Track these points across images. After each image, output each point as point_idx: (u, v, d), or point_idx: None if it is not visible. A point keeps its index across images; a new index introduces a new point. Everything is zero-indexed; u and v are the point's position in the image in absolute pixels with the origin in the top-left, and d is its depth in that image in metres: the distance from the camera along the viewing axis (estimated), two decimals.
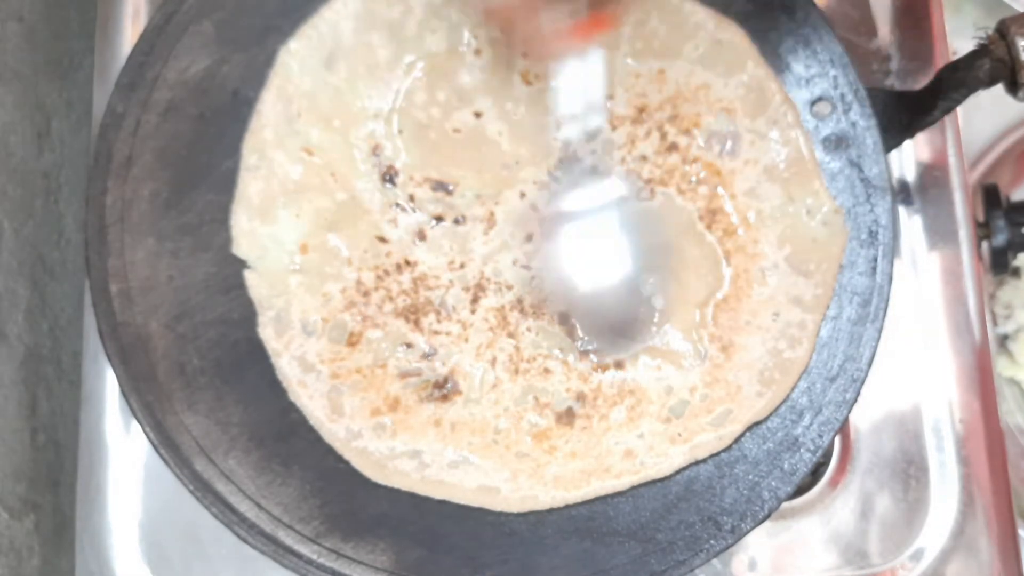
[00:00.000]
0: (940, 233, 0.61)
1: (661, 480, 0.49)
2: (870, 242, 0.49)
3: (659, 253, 0.50)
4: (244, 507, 0.48)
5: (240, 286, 0.50)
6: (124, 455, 0.58)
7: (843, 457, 0.59)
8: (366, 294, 0.50)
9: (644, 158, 0.51)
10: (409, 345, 0.50)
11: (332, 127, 0.50)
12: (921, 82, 0.54)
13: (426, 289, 0.50)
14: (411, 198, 0.51)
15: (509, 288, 0.50)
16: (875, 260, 0.49)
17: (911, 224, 0.62)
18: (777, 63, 0.50)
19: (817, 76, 0.50)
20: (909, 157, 0.63)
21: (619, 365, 0.49)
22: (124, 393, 0.48)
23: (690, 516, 0.48)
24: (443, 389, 0.50)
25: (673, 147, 0.51)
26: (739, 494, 0.48)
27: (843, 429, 0.59)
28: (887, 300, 0.49)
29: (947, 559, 0.58)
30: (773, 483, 0.48)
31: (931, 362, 0.60)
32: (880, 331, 0.49)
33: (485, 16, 0.48)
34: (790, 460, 0.48)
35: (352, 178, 0.50)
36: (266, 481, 0.48)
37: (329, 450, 0.49)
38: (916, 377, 0.60)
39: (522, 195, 0.51)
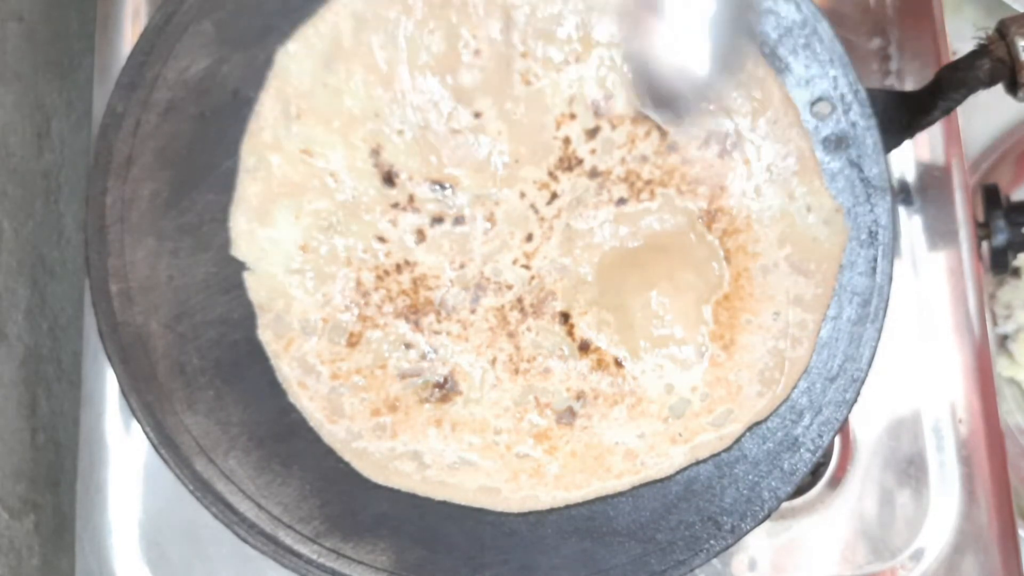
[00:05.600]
0: (940, 233, 0.61)
1: (661, 480, 0.49)
2: (870, 242, 0.49)
3: (660, 253, 0.51)
4: (244, 507, 0.48)
5: (240, 286, 0.50)
6: (124, 455, 0.58)
7: (843, 457, 0.59)
8: (366, 295, 0.50)
9: (644, 158, 0.51)
10: (409, 345, 0.50)
11: (331, 128, 0.50)
12: (921, 82, 0.54)
13: (426, 289, 0.50)
14: (411, 198, 0.51)
15: (509, 288, 0.50)
16: (875, 260, 0.49)
17: (911, 224, 0.62)
18: (777, 63, 0.50)
19: (817, 76, 0.50)
20: (909, 157, 0.63)
21: (619, 363, 0.50)
22: (124, 393, 0.48)
23: (690, 516, 0.48)
24: (443, 389, 0.50)
25: (673, 147, 0.51)
26: (739, 494, 0.48)
27: (843, 429, 0.59)
28: (887, 300, 0.49)
29: (947, 559, 0.58)
30: (773, 483, 0.48)
31: (931, 362, 0.60)
32: (880, 331, 0.49)
33: None
34: (790, 460, 0.48)
35: (352, 179, 0.50)
36: (266, 481, 0.48)
37: (329, 450, 0.49)
38: (916, 377, 0.60)
39: (522, 195, 0.51)
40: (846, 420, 0.49)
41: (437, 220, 0.51)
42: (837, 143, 0.50)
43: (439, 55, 0.50)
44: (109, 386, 0.59)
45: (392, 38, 0.50)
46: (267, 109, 0.50)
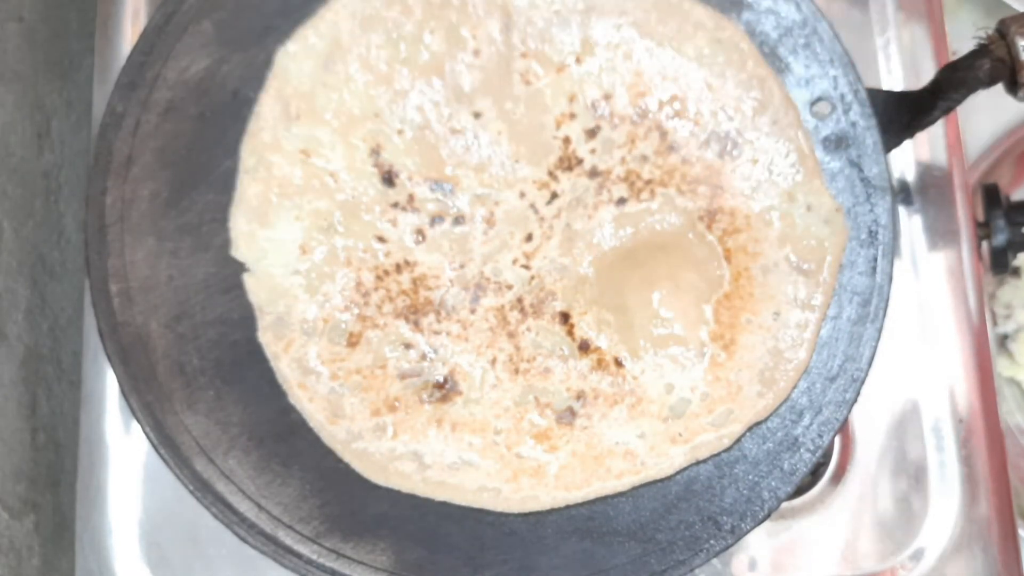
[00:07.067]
0: (940, 233, 0.61)
1: (661, 480, 0.49)
2: (870, 242, 0.49)
3: (660, 252, 0.51)
4: (244, 507, 0.48)
5: (240, 286, 0.50)
6: (124, 455, 0.58)
7: (843, 457, 0.59)
8: (366, 295, 0.50)
9: (644, 158, 0.51)
10: (409, 345, 0.50)
11: (331, 128, 0.50)
12: (921, 82, 0.54)
13: (426, 289, 0.50)
14: (410, 198, 0.51)
15: (509, 288, 0.50)
16: (875, 260, 0.49)
17: (911, 224, 0.62)
18: (777, 63, 0.50)
19: (817, 76, 0.50)
20: (909, 157, 0.63)
21: (619, 363, 0.49)
22: (124, 393, 0.48)
23: (690, 516, 0.48)
24: (443, 389, 0.50)
25: (673, 147, 0.51)
26: (739, 494, 0.48)
27: (843, 429, 0.59)
28: (887, 300, 0.49)
29: (947, 559, 0.58)
30: (773, 483, 0.48)
31: (931, 362, 0.60)
32: (880, 331, 0.49)
33: None
34: (790, 460, 0.48)
35: (351, 179, 0.50)
36: (266, 481, 0.48)
37: (329, 450, 0.49)
38: (916, 377, 0.60)
39: (521, 195, 0.51)
40: (846, 420, 0.49)
41: (437, 220, 0.51)
42: (837, 143, 0.50)
43: (439, 55, 0.50)
44: (109, 386, 0.59)
45: (392, 38, 0.50)
46: (267, 109, 0.50)
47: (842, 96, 0.50)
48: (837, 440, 0.60)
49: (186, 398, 0.49)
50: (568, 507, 0.48)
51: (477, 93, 0.51)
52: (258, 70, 0.50)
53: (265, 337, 0.49)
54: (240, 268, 0.50)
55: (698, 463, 0.48)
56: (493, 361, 0.50)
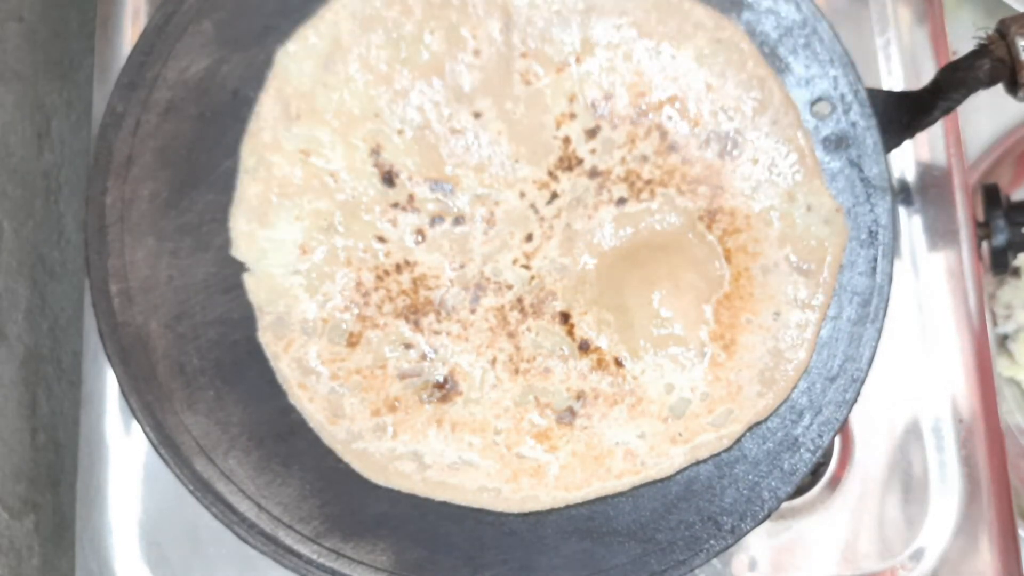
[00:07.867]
0: (940, 233, 0.61)
1: (661, 480, 0.49)
2: (870, 242, 0.49)
3: (660, 252, 0.51)
4: (244, 507, 0.48)
5: (240, 286, 0.50)
6: (124, 455, 0.58)
7: (843, 457, 0.59)
8: (366, 295, 0.50)
9: (644, 158, 0.51)
10: (409, 345, 0.50)
11: (331, 128, 0.50)
12: (921, 82, 0.54)
13: (426, 289, 0.50)
14: (410, 198, 0.51)
15: (509, 288, 0.50)
16: (875, 260, 0.49)
17: (911, 224, 0.62)
18: (777, 63, 0.50)
19: (817, 76, 0.50)
20: (909, 157, 0.63)
21: (619, 363, 0.50)
22: (124, 393, 0.48)
23: (690, 516, 0.48)
24: (443, 389, 0.50)
25: (673, 147, 0.51)
26: (739, 494, 0.48)
27: (843, 429, 0.59)
28: (887, 300, 0.49)
29: (947, 559, 0.58)
30: (773, 483, 0.48)
31: (931, 362, 0.60)
32: (880, 331, 0.49)
33: None
34: (790, 460, 0.48)
35: (352, 179, 0.50)
36: (266, 481, 0.48)
37: (329, 450, 0.49)
38: (916, 377, 0.60)
39: (522, 195, 0.51)
40: (846, 420, 0.49)
41: (437, 220, 0.51)
42: (837, 143, 0.50)
43: (439, 55, 0.50)
44: (109, 386, 0.59)
45: (392, 38, 0.50)
46: (267, 109, 0.50)
47: (842, 96, 0.50)
48: (837, 440, 0.60)
49: (186, 398, 0.49)
50: (568, 507, 0.48)
51: (477, 93, 0.51)
52: (258, 70, 0.50)
53: (265, 337, 0.49)
54: (240, 268, 0.50)
55: (698, 463, 0.48)
56: (493, 361, 0.50)
